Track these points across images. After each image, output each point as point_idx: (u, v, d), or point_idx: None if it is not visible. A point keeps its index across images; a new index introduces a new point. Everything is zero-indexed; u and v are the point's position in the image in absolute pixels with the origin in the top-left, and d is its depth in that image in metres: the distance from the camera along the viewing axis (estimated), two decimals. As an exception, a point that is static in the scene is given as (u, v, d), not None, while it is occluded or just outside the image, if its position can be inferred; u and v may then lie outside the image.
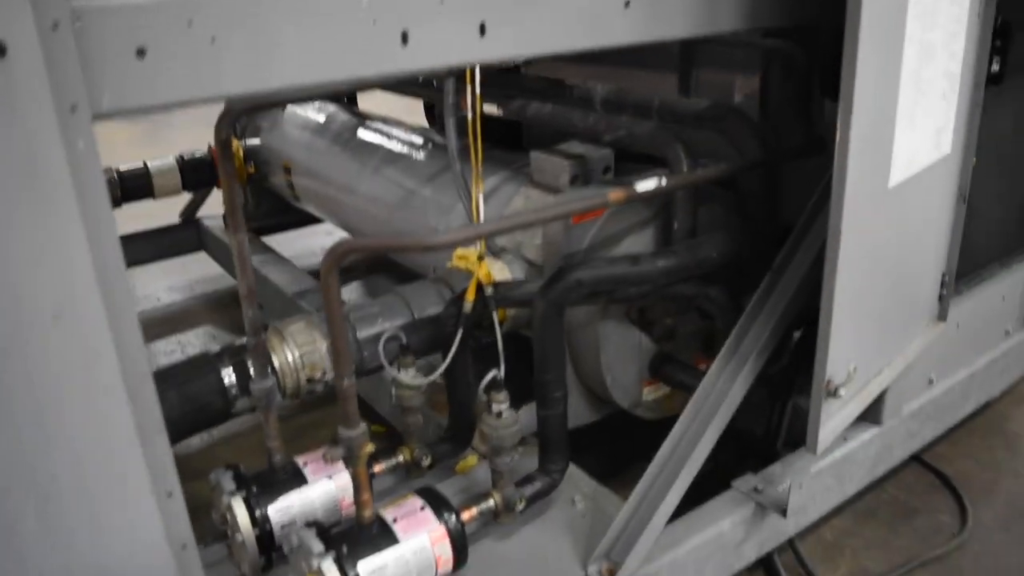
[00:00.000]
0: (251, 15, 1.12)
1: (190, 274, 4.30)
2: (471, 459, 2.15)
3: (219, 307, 4.05)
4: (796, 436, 2.24)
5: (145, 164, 3.65)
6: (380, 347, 1.83)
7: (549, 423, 1.86)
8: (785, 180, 2.12)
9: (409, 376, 1.88)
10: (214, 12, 1.09)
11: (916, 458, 2.66)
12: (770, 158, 1.92)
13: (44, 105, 0.95)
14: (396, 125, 3.18)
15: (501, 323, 2.03)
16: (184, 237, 4.11)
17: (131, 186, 3.58)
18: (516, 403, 1.94)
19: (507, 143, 2.99)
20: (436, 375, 1.84)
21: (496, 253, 2.22)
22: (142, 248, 3.99)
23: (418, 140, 2.97)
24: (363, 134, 3.19)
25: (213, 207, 4.11)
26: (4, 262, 0.97)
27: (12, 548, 1.08)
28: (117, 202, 3.57)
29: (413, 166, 2.82)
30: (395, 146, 3.00)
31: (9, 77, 0.92)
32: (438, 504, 1.72)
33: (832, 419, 1.80)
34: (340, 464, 1.87)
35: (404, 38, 1.26)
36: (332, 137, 3.30)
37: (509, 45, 1.38)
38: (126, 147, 6.19)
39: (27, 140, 0.95)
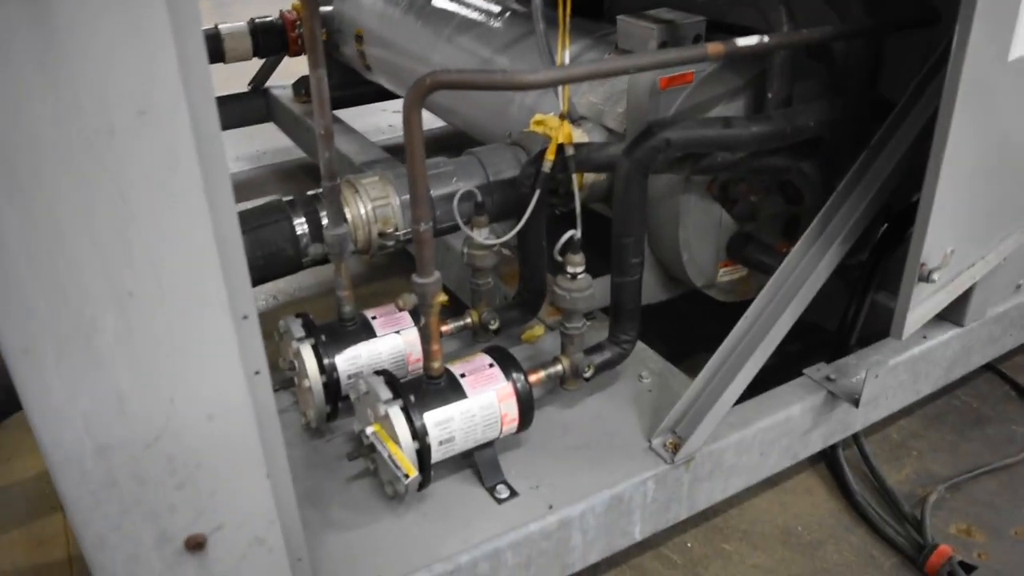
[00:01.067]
0: None
1: (257, 144, 4.28)
2: (538, 329, 2.12)
3: (286, 178, 4.04)
4: (871, 334, 2.17)
5: (216, 27, 3.59)
6: (454, 204, 1.78)
7: (624, 290, 1.81)
8: (890, 54, 1.99)
9: (482, 236, 1.83)
10: None
11: (992, 368, 2.58)
12: (879, 24, 1.79)
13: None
14: (472, -7, 3.06)
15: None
16: (253, 106, 4.06)
17: (202, 48, 3.53)
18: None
19: (587, 13, 2.85)
20: (510, 235, 1.79)
21: (575, 121, 2.14)
22: (210, 115, 3.96)
23: (495, 8, 2.85)
24: (438, 2, 3.09)
25: (282, 77, 4.06)
26: (90, 56, 0.93)
27: (90, 355, 1.07)
28: (188, 63, 3.52)
29: (490, 33, 2.72)
30: (471, 14, 2.89)
31: None
32: (507, 363, 1.70)
33: (921, 305, 1.72)
34: (408, 319, 1.85)
35: None
36: (406, 5, 3.19)
37: None
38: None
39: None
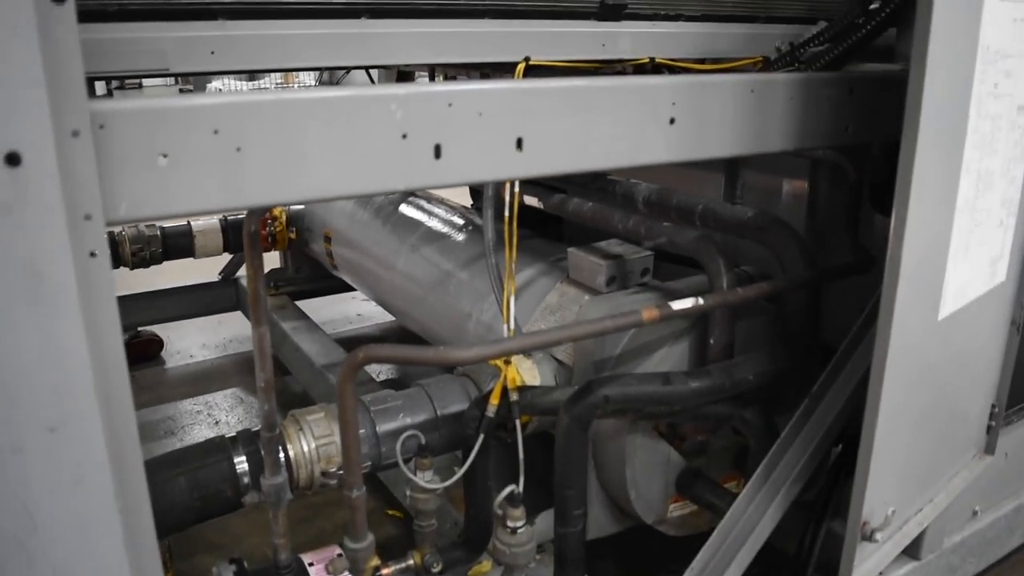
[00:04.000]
0: (278, 126, 1.09)
1: (224, 332, 4.31)
2: (485, 565, 2.06)
3: (250, 368, 4.03)
4: (829, 560, 2.12)
5: (188, 223, 3.68)
6: (398, 446, 1.77)
7: (567, 540, 1.78)
8: (829, 296, 2.04)
9: (425, 479, 1.81)
10: (241, 121, 1.07)
11: (956, 592, 2.52)
12: (813, 277, 1.84)
13: (55, 215, 0.92)
14: (439, 203, 3.17)
15: (526, 424, 1.96)
16: (222, 295, 4.13)
17: (173, 244, 3.62)
18: (539, 507, 1.86)
19: (548, 231, 2.95)
20: (452, 480, 1.77)
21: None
22: (179, 303, 4.02)
23: (459, 221, 2.95)
24: (405, 209, 3.19)
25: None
26: (3, 371, 0.93)
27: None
28: (158, 260, 3.60)
29: (452, 247, 2.80)
30: (436, 225, 2.98)
31: (20, 187, 0.89)
32: (443, 621, 1.65)
33: (866, 562, 1.70)
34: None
35: (437, 152, 1.23)
36: (374, 210, 3.30)
37: (547, 161, 1.34)
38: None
39: (33, 249, 0.92)
